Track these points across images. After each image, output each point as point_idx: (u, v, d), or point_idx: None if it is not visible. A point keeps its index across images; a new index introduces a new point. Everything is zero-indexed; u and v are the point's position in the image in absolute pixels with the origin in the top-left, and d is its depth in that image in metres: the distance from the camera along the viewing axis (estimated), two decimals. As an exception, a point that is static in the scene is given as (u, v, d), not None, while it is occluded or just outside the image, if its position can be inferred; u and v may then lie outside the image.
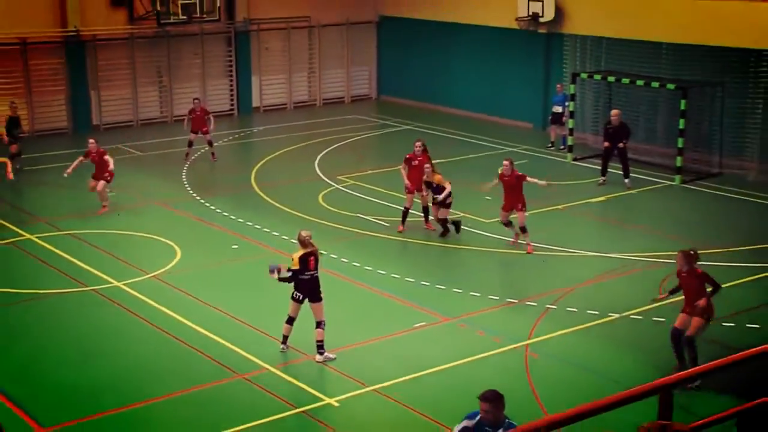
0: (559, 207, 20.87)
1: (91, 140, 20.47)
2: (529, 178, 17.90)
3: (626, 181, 22.49)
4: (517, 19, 28.34)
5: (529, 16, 27.99)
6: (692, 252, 12.74)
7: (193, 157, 25.02)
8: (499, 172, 18.14)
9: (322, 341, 13.25)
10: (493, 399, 7.83)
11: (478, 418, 7.88)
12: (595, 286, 16.20)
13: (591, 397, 10.82)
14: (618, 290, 16.04)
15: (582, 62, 26.94)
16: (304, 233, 13.43)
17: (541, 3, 27.57)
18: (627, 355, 13.65)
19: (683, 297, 12.90)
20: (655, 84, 23.63)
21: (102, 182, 20.22)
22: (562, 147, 26.12)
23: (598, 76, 25.35)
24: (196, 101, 25.22)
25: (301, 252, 13.28)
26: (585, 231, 19.67)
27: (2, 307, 15.47)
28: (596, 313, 14.89)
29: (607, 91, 26.19)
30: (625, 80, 24.22)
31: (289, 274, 13.21)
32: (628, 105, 25.48)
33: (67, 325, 14.62)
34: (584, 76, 25.54)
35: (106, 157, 20.29)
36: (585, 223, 20.28)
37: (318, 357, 13.21)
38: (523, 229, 17.76)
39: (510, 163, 17.96)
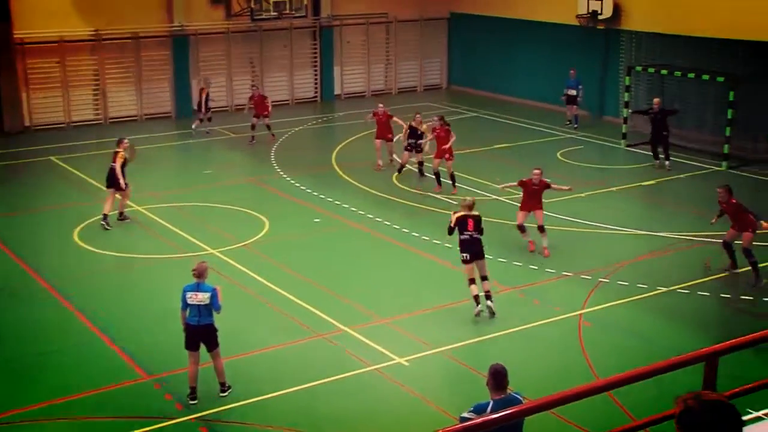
0: (613, 189, 20.51)
1: (380, 105, 22.25)
2: (554, 186, 16.33)
3: (666, 163, 22.18)
4: (577, 17, 27.81)
5: (588, 13, 27.43)
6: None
7: (267, 141, 25.22)
8: (526, 179, 16.27)
9: (489, 291, 13.45)
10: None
11: (488, 411, 7.24)
12: (644, 262, 15.89)
13: (640, 363, 10.64)
14: (666, 266, 15.71)
15: (637, 56, 26.36)
16: (468, 198, 14.03)
17: (600, 1, 27.02)
18: (675, 325, 13.38)
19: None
20: (706, 77, 22.99)
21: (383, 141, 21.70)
22: (575, 126, 26.57)
23: (651, 69, 24.75)
24: (254, 87, 25.56)
25: (460, 213, 13.50)
26: (636, 212, 19.29)
27: (117, 270, 15.82)
28: (645, 286, 14.61)
29: (659, 83, 25.57)
30: (677, 73, 23.64)
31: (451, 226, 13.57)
32: (679, 96, 24.84)
33: (166, 287, 14.88)
34: (639, 69, 24.99)
35: (394, 118, 21.66)
36: (636, 204, 19.89)
37: (489, 303, 13.42)
38: (542, 228, 16.15)
39: (540, 172, 16.17)
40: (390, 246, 16.84)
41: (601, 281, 14.90)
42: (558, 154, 23.81)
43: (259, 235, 17.32)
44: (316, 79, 31.72)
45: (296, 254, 16.38)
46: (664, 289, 14.54)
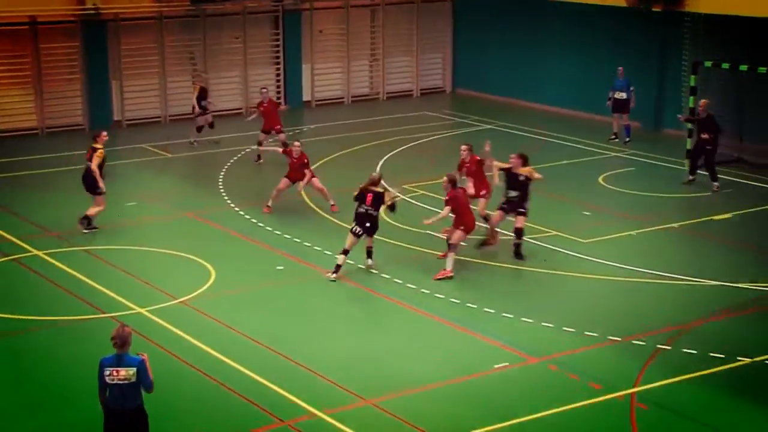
0: (674, 225, 20.58)
1: (297, 142, 21.78)
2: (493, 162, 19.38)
3: (714, 184, 22.61)
4: (625, -4, 28.16)
5: (640, -9, 27.80)
6: None
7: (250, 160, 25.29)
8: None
9: (371, 247, 17.80)
10: None
11: None
12: (719, 324, 15.90)
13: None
14: (748, 329, 15.75)
15: (706, 48, 26.54)
16: (375, 173, 18.10)
17: (656, -25, 27.40)
18: (760, 409, 13.36)
19: None
20: (802, 75, 23.24)
21: (315, 179, 21.51)
22: (625, 140, 27.05)
23: (726, 65, 24.92)
24: (264, 91, 25.81)
25: (364, 185, 17.52)
26: (707, 255, 19.33)
27: (5, 335, 15.73)
28: (722, 356, 14.60)
29: (735, 83, 25.75)
30: (762, 69, 23.79)
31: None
32: (763, 101, 25.03)
33: (80, 358, 14.77)
34: (708, 64, 25.16)
35: (306, 160, 21.52)
36: (706, 245, 19.95)
37: (370, 261, 17.90)
38: (485, 218, 19.28)
39: (468, 148, 19.99)
40: (376, 301, 16.83)
41: (660, 348, 14.90)
42: (600, 179, 23.91)
43: (202, 288, 17.27)
44: (278, 81, 31.90)
45: (252, 313, 16.32)
46: (747, 360, 14.53)
